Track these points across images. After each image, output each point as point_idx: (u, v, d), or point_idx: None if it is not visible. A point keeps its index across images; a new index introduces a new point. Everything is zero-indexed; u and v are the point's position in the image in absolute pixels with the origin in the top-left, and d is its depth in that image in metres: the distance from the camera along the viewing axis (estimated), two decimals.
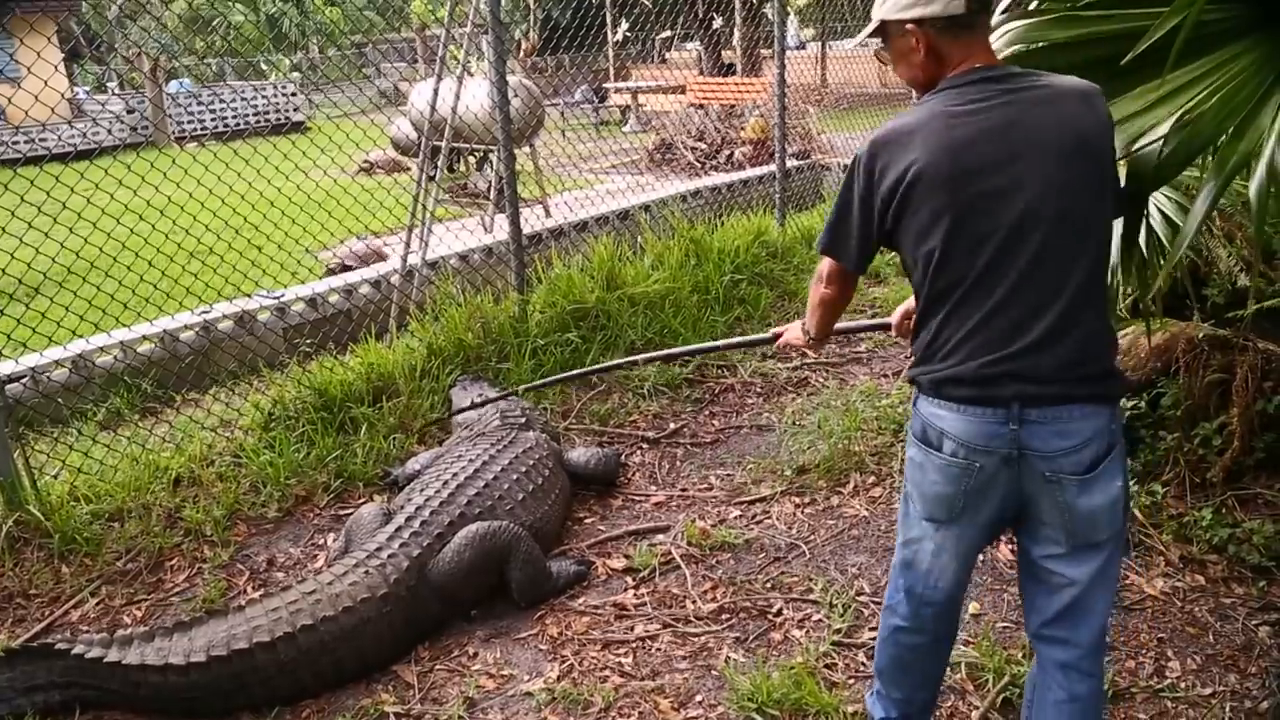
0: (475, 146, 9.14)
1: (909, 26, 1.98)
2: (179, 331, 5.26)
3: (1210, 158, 2.07)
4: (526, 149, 9.11)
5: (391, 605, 3.02)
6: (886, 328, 2.78)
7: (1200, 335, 3.68)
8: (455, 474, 3.51)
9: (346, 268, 7.12)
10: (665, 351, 4.27)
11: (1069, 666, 2.07)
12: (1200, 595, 3.09)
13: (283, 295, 5.77)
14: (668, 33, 15.96)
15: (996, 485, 1.98)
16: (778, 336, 2.85)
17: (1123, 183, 2.11)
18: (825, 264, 2.23)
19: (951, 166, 1.91)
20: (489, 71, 5.01)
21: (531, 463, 3.67)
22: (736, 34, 15.63)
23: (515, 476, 3.55)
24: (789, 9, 21.91)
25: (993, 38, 2.28)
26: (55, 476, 3.98)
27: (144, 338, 5.19)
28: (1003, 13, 2.37)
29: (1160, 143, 1.95)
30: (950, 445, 1.98)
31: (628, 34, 15.48)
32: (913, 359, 2.11)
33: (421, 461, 4.02)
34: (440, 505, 3.32)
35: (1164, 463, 3.57)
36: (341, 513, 3.96)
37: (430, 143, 6.43)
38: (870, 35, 2.14)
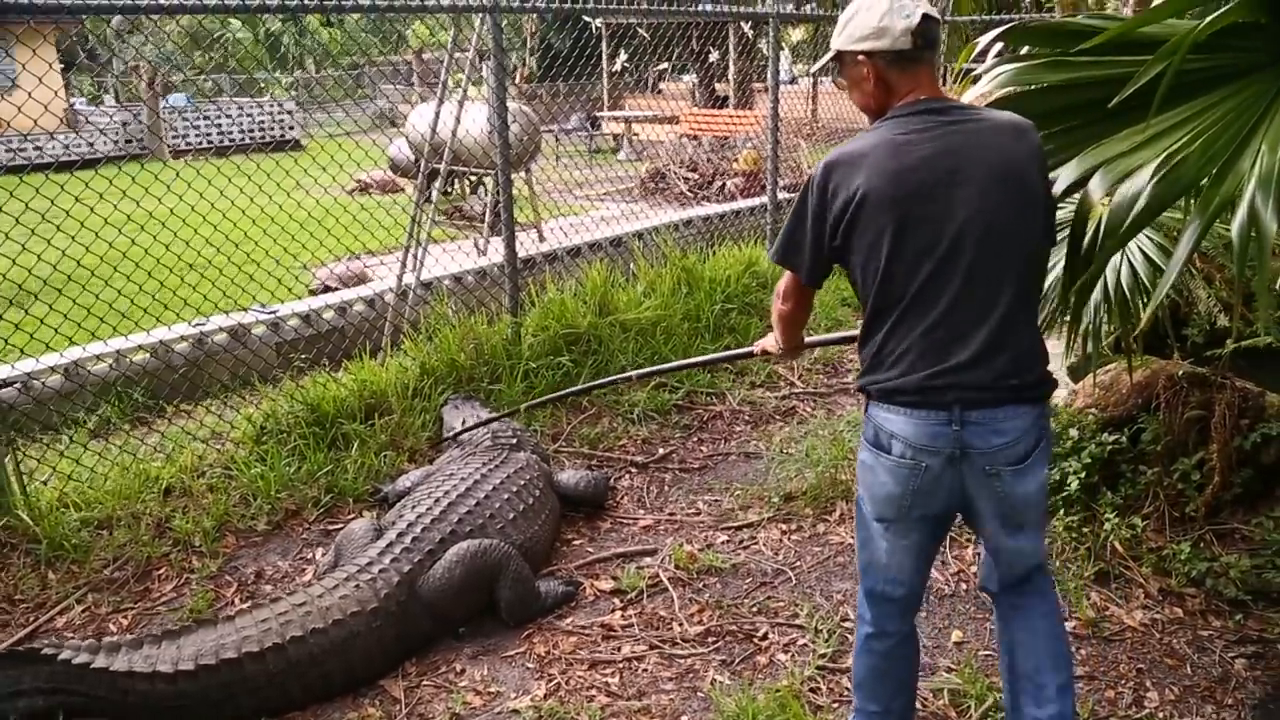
0: (472, 170, 9.21)
1: (860, 58, 2.16)
2: (173, 342, 5.28)
3: (1193, 200, 2.17)
4: (523, 174, 9.19)
5: (381, 620, 3.04)
6: (852, 340, 2.82)
7: (1180, 373, 3.77)
8: (447, 491, 3.54)
9: (328, 289, 7.14)
10: (658, 367, 4.41)
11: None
12: (1179, 627, 3.15)
13: (277, 310, 5.80)
14: (664, 65, 16.16)
15: (941, 483, 2.15)
16: (761, 350, 2.96)
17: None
18: (783, 279, 2.38)
19: (895, 190, 2.07)
20: (489, 97, 5.08)
21: (522, 483, 3.70)
22: (731, 67, 15.84)
23: (506, 496, 3.58)
24: (784, 45, 22.26)
25: (985, 80, 2.40)
26: (45, 483, 3.99)
27: (138, 347, 5.20)
28: (995, 57, 2.47)
29: (1145, 184, 2.03)
30: (899, 447, 2.14)
31: (625, 64, 15.66)
32: (860, 368, 2.26)
33: (413, 479, 4.04)
34: (432, 522, 3.35)
35: (1144, 497, 3.64)
36: (330, 528, 3.98)
37: (429, 164, 6.50)
38: (829, 62, 2.30)
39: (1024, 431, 2.11)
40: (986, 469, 2.11)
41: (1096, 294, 3.10)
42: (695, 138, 14.04)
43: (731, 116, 14.07)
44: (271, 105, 19.27)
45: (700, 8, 7.79)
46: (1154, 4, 2.26)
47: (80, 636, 3.25)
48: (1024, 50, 2.53)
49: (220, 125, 18.27)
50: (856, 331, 2.70)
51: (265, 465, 4.17)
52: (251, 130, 18.62)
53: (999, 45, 2.60)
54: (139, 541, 3.70)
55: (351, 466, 4.25)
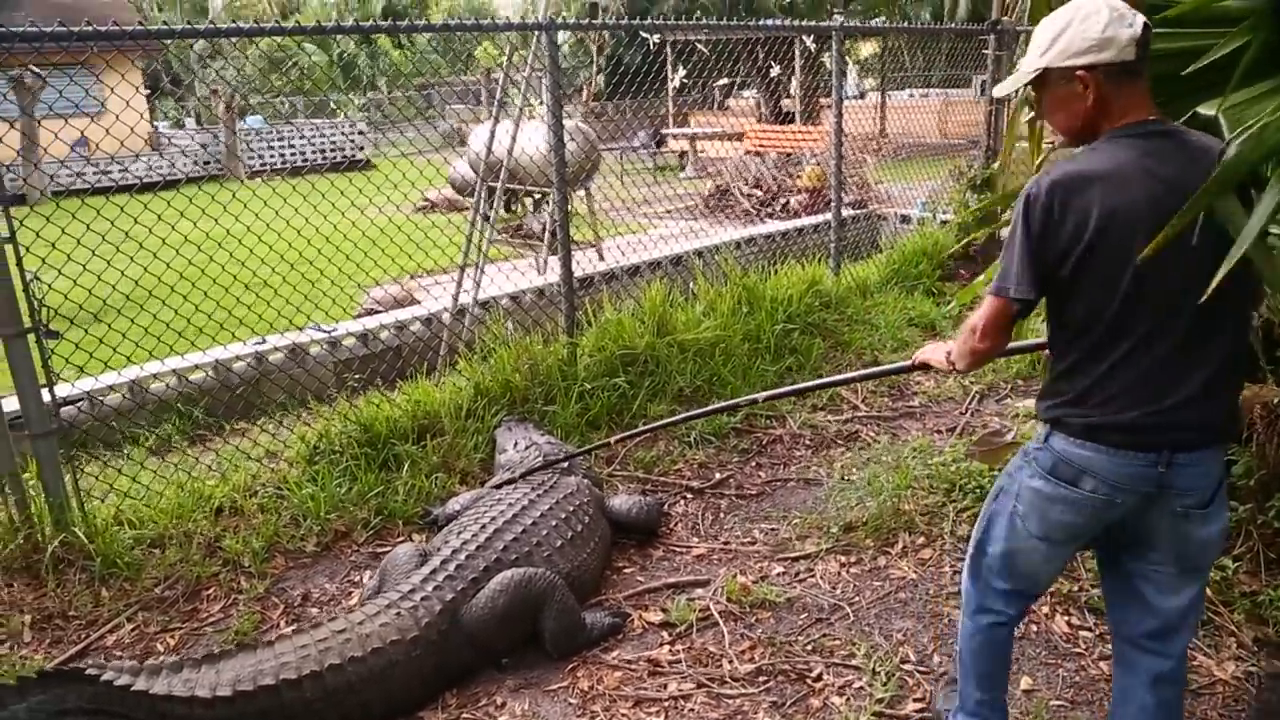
0: (530, 188, 9.22)
1: (1080, 73, 1.98)
2: (231, 361, 5.33)
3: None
4: (581, 192, 9.16)
5: (421, 649, 2.97)
6: (1043, 346, 2.49)
7: (1276, 400, 3.50)
8: (493, 518, 3.45)
9: (373, 313, 7.16)
10: (791, 388, 3.92)
11: (1163, 677, 2.23)
12: (1276, 681, 2.89)
13: (335, 330, 5.83)
14: (724, 80, 16.06)
15: (1123, 516, 2.11)
16: (921, 365, 2.64)
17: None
18: (985, 313, 2.13)
19: (1145, 221, 1.91)
20: (545, 115, 5.03)
21: (571, 509, 3.61)
22: (794, 82, 15.67)
23: (554, 523, 3.49)
24: (849, 59, 21.99)
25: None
26: (103, 500, 4.02)
27: (197, 366, 5.27)
28: None
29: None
30: (1091, 483, 2.08)
31: (685, 80, 15.59)
32: (1053, 398, 2.14)
33: (462, 502, 3.98)
34: (476, 549, 3.27)
35: (1236, 535, 3.38)
36: (379, 550, 3.93)
37: (485, 184, 6.50)
38: (1027, 84, 2.12)
39: (1216, 475, 2.09)
40: (1177, 509, 2.07)
41: None
42: (760, 154, 13.90)
43: (795, 132, 13.89)
44: (343, 126, 19.70)
45: (764, 22, 7.67)
46: None
47: (128, 655, 3.25)
48: None
49: (294, 146, 18.73)
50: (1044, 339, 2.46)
51: (317, 486, 4.15)
52: (324, 150, 19.05)
53: None
54: (189, 561, 3.70)
55: (402, 488, 4.21)
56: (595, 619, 3.30)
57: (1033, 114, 2.52)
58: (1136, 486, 2.05)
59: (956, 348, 2.30)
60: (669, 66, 17.70)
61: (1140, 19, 1.96)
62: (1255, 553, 3.30)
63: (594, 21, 5.02)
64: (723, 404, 3.98)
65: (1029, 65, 2.08)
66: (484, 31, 4.68)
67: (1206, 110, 2.13)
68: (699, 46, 16.97)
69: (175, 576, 3.64)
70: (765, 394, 3.59)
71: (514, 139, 5.68)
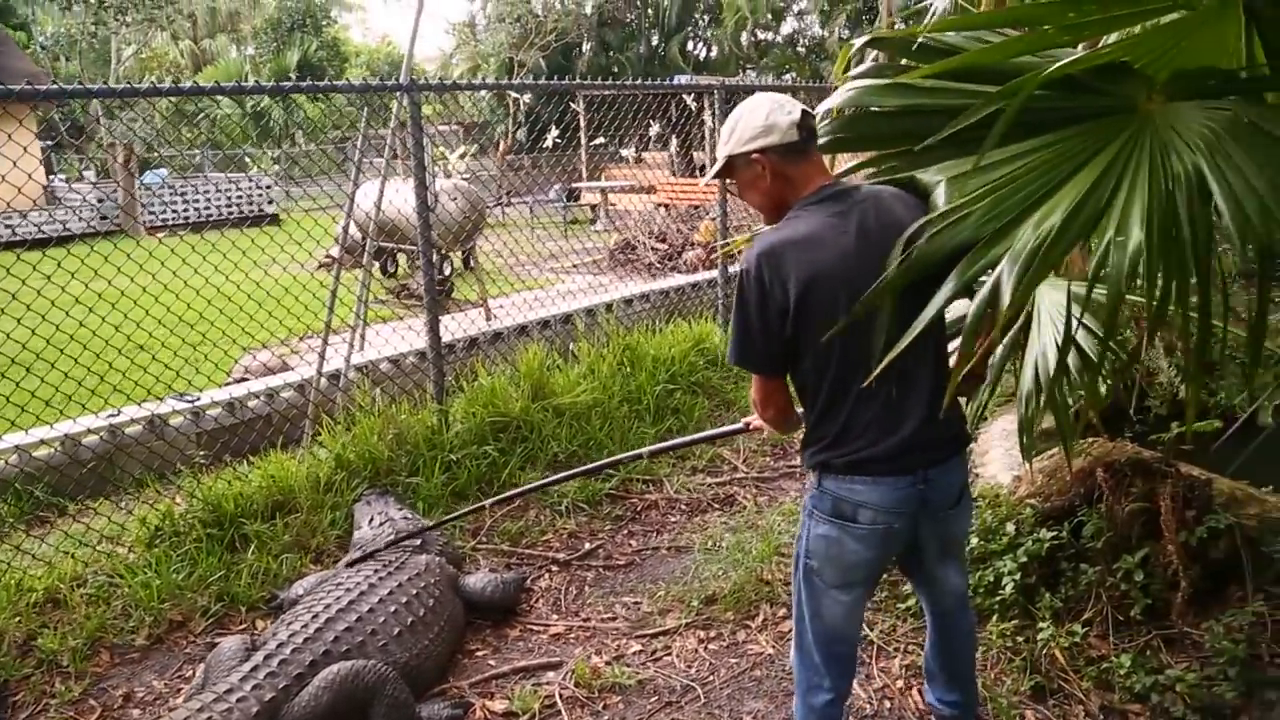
0: (410, 248, 9.08)
1: (754, 156, 2.25)
2: (81, 435, 5.03)
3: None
4: (458, 252, 9.03)
5: None
6: None
7: (1123, 460, 3.52)
8: (328, 605, 3.26)
9: (243, 381, 6.90)
10: (664, 444, 3.86)
11: (962, 609, 2.64)
12: None
13: (198, 398, 5.56)
14: (599, 140, 16.20)
15: (902, 538, 2.34)
16: (756, 426, 2.96)
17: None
18: (754, 386, 2.39)
19: (843, 275, 2.15)
20: (413, 175, 4.92)
21: (415, 592, 3.43)
22: (708, 136, 15.91)
23: (393, 608, 3.30)
24: None
25: (838, 94, 2.26)
26: None
27: (43, 441, 4.95)
28: (871, 62, 2.31)
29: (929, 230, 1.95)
30: (868, 514, 2.26)
31: (557, 139, 15.72)
32: (814, 445, 2.32)
33: (306, 585, 3.76)
34: (304, 642, 3.06)
35: (1085, 598, 3.35)
36: (218, 640, 3.68)
37: (373, 242, 6.33)
38: (718, 174, 2.38)
39: (961, 478, 2.40)
40: (939, 515, 2.36)
41: (1028, 382, 2.87)
42: (668, 207, 13.99)
43: (694, 186, 14.05)
44: (248, 180, 19.31)
45: (638, 82, 7.72)
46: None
47: None
48: (873, 58, 2.39)
49: (195, 201, 18.26)
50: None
51: (153, 572, 3.89)
52: (229, 205, 18.62)
53: (874, 52, 2.45)
54: None
55: (247, 571, 3.97)
56: (432, 712, 3.11)
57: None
58: (905, 508, 2.27)
59: (763, 424, 2.57)
60: (582, 121, 17.81)
61: (799, 107, 2.25)
62: (1104, 616, 3.27)
63: (457, 82, 4.96)
64: (590, 465, 3.94)
65: (719, 156, 2.35)
66: (340, 92, 4.57)
67: (924, 177, 2.19)
68: (572, 107, 17.20)
69: None
70: (649, 449, 3.59)
71: (380, 198, 5.55)
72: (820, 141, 2.30)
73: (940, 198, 2.11)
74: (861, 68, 2.33)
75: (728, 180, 2.50)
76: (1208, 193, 1.74)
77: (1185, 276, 1.76)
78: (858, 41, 2.37)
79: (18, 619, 3.61)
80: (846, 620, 2.40)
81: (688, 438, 3.70)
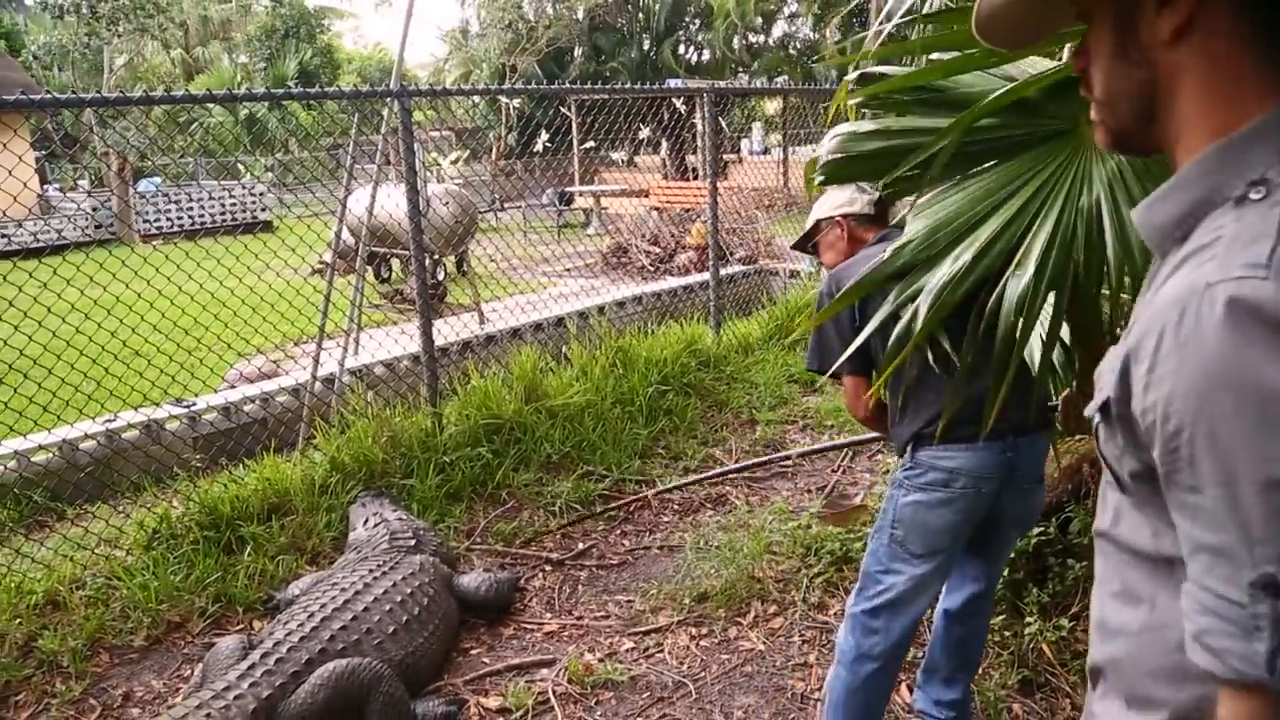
0: (403, 253, 9.13)
1: (837, 219, 2.81)
2: (79, 440, 5.06)
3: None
4: (451, 256, 9.08)
5: None
6: None
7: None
8: (324, 604, 3.30)
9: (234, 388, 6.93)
10: (790, 451, 4.53)
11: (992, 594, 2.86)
12: None
13: (194, 404, 5.60)
14: (590, 143, 16.30)
15: (986, 503, 2.46)
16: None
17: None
18: (845, 391, 2.70)
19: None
20: (405, 180, 4.97)
21: (409, 591, 3.47)
22: (699, 140, 15.98)
23: (389, 607, 3.35)
24: (757, 116, 22.55)
25: (826, 140, 2.40)
26: None
27: (41, 446, 4.99)
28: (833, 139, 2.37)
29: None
30: (962, 480, 2.42)
31: (547, 144, 15.81)
32: (909, 423, 2.49)
33: (302, 586, 3.80)
34: (300, 640, 3.11)
35: (1073, 593, 3.40)
36: (216, 640, 3.72)
37: (366, 248, 6.39)
38: (805, 235, 2.93)
39: (1044, 452, 2.61)
40: (1024, 486, 2.51)
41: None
42: (661, 210, 14.06)
43: (697, 189, 14.11)
44: (242, 188, 19.33)
45: (628, 85, 7.78)
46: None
47: None
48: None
49: (189, 209, 18.28)
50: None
51: (151, 574, 3.93)
52: (223, 212, 18.63)
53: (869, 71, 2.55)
54: None
55: (244, 572, 4.01)
56: (427, 709, 3.15)
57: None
58: (995, 473, 2.41)
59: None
60: (574, 126, 17.88)
61: (875, 193, 2.69)
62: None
63: (447, 88, 5.02)
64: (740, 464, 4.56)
65: (810, 220, 2.91)
66: (331, 98, 4.63)
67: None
68: (563, 110, 17.30)
69: None
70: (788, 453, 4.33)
71: (372, 202, 5.60)
72: (817, 180, 2.45)
73: (906, 224, 2.29)
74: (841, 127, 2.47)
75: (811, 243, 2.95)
76: (1103, 227, 1.84)
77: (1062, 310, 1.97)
78: (853, 74, 2.46)
79: (18, 621, 3.64)
80: (919, 591, 2.50)
81: (834, 443, 4.25)
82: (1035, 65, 2.09)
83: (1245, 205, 0.88)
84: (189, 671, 3.57)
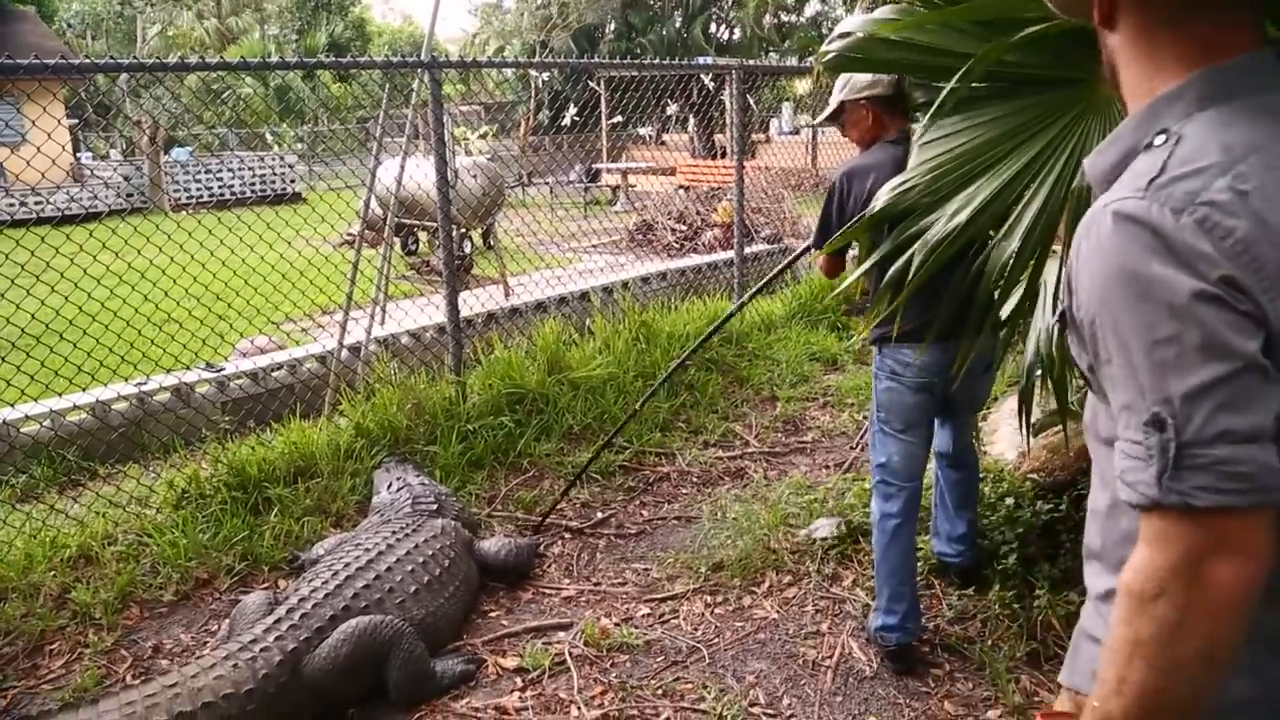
0: (430, 224, 9.19)
1: (863, 102, 3.12)
2: (112, 402, 5.19)
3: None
4: (494, 227, 9.13)
5: (257, 702, 2.87)
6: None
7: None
8: (348, 564, 3.38)
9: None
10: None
11: (972, 449, 3.55)
12: None
13: (224, 368, 5.71)
14: (618, 119, 16.23)
15: (939, 388, 3.08)
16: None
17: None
18: (820, 263, 3.40)
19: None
20: (435, 148, 5.02)
21: (431, 553, 3.54)
22: (727, 118, 15.92)
23: (410, 567, 3.43)
24: (787, 96, 22.38)
25: (850, 20, 2.59)
26: None
27: (75, 406, 5.11)
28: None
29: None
30: (912, 372, 3.06)
31: (575, 118, 15.76)
32: (877, 327, 3.06)
33: (326, 546, 3.89)
34: (325, 597, 3.19)
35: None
36: (243, 597, 3.82)
37: (389, 220, 6.45)
38: (830, 116, 3.27)
39: (988, 355, 3.12)
40: (975, 369, 3.04)
41: (1030, 355, 2.95)
42: (688, 188, 14.03)
43: (724, 167, 14.06)
44: (273, 159, 19.49)
45: (657, 61, 7.75)
46: None
47: None
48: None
49: (221, 179, 18.47)
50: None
51: (180, 532, 4.04)
52: (253, 183, 18.81)
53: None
54: (34, 614, 3.56)
55: (269, 532, 4.11)
56: (446, 667, 3.23)
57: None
58: (942, 366, 3.01)
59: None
60: (603, 103, 17.85)
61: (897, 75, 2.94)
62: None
63: (477, 60, 5.06)
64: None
65: (833, 101, 3.22)
66: (362, 68, 4.67)
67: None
68: (590, 85, 17.27)
69: (16, 631, 3.50)
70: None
71: (401, 172, 5.65)
72: (829, 58, 2.60)
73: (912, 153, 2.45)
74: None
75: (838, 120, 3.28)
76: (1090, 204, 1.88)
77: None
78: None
79: (53, 573, 3.76)
80: (910, 459, 3.16)
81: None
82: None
83: (1150, 150, 1.10)
84: (216, 626, 3.67)
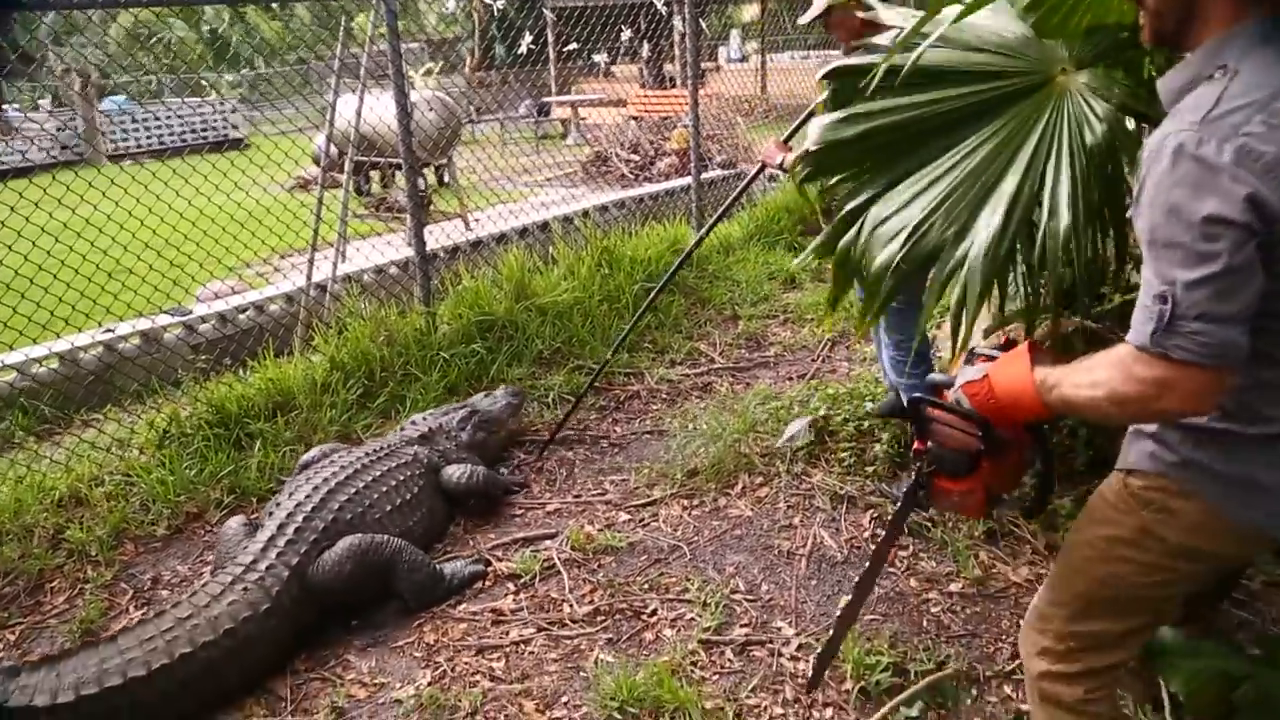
0: (390, 161, 9.12)
1: (852, 4, 3.36)
2: (79, 351, 5.19)
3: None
4: (445, 162, 9.09)
5: (277, 619, 3.01)
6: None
7: (1069, 330, 3.79)
8: (325, 479, 3.50)
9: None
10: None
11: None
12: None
13: (191, 311, 5.72)
14: (572, 46, 16.05)
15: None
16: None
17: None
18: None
19: None
20: (395, 80, 5.02)
21: (403, 478, 3.67)
22: (676, 48, 15.77)
23: (385, 489, 3.56)
24: (735, 24, 22.14)
25: (809, 134, 2.53)
26: None
27: (47, 354, 5.10)
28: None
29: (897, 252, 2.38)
30: None
31: (531, 47, 15.52)
32: None
33: (312, 456, 3.98)
34: (312, 511, 3.31)
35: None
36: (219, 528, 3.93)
37: (350, 158, 6.42)
38: (818, 16, 3.52)
39: None
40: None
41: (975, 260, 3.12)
42: (639, 119, 13.98)
43: (674, 97, 14.01)
44: (213, 105, 18.96)
45: None
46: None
47: None
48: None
49: (159, 127, 17.95)
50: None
51: (166, 469, 4.12)
52: (193, 131, 18.31)
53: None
54: (30, 555, 3.64)
55: (255, 465, 4.21)
56: (455, 568, 3.41)
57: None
58: None
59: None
60: (550, 34, 17.55)
61: None
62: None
63: None
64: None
65: (820, 5, 3.48)
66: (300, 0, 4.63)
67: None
68: (544, 12, 16.96)
69: (15, 572, 3.59)
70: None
71: (360, 108, 5.63)
72: (802, 177, 2.63)
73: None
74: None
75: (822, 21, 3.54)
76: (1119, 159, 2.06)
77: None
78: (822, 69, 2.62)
79: (45, 514, 3.83)
80: (904, 325, 3.57)
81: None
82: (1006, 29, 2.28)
83: (1210, 82, 1.42)
84: (211, 556, 3.78)
